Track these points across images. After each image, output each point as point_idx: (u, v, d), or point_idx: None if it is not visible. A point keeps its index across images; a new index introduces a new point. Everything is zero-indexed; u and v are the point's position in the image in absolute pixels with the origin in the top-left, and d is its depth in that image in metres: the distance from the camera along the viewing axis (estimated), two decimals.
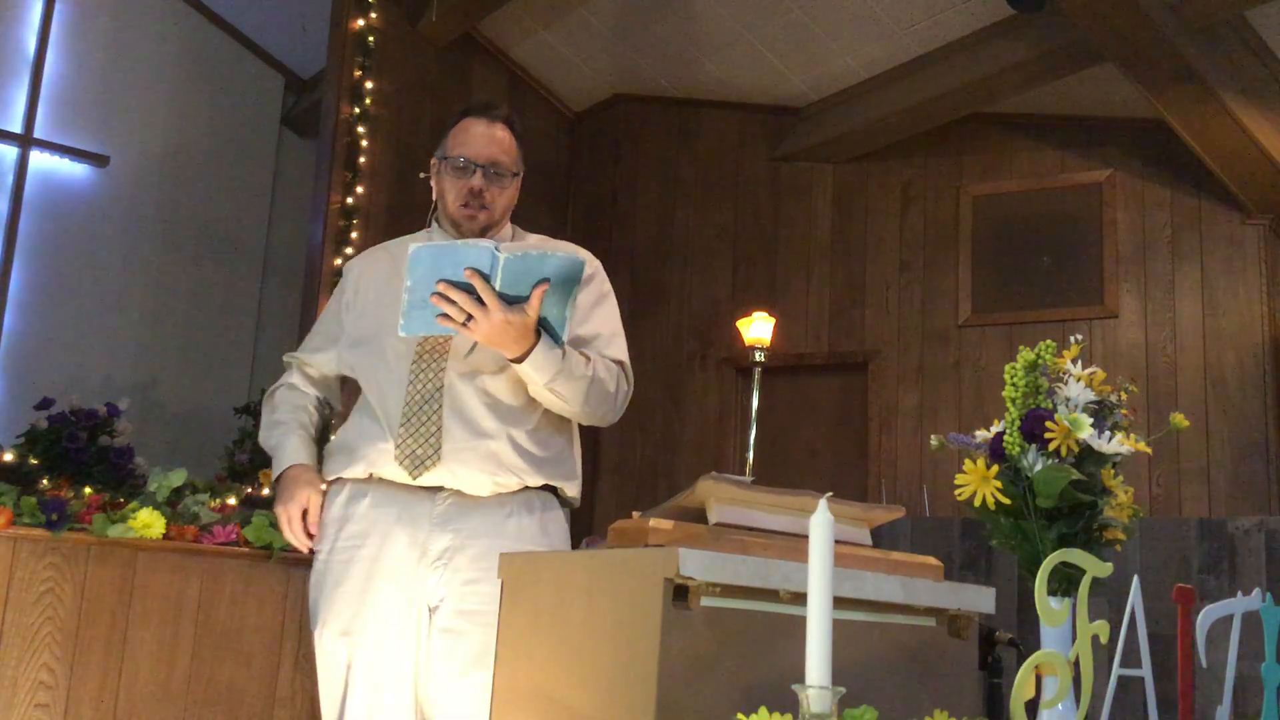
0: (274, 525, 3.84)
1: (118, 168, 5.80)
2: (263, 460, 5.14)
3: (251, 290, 6.20)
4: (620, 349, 2.27)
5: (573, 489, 2.25)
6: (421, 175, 2.38)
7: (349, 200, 5.43)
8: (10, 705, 3.33)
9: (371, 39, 5.62)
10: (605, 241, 6.55)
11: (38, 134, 5.55)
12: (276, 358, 5.93)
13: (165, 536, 3.62)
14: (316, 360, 2.35)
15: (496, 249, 1.89)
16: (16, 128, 5.49)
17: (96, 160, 5.73)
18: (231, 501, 4.25)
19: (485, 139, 2.24)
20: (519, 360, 2.03)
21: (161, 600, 3.64)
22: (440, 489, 2.12)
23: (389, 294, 2.20)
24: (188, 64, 6.11)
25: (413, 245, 1.91)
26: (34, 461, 4.03)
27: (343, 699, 2.10)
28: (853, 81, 5.99)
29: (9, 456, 4.03)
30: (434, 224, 2.34)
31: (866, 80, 5.93)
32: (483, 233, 2.23)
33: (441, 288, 1.91)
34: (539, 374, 2.06)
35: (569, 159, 6.86)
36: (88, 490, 3.75)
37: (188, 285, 6.00)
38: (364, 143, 5.52)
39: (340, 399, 2.40)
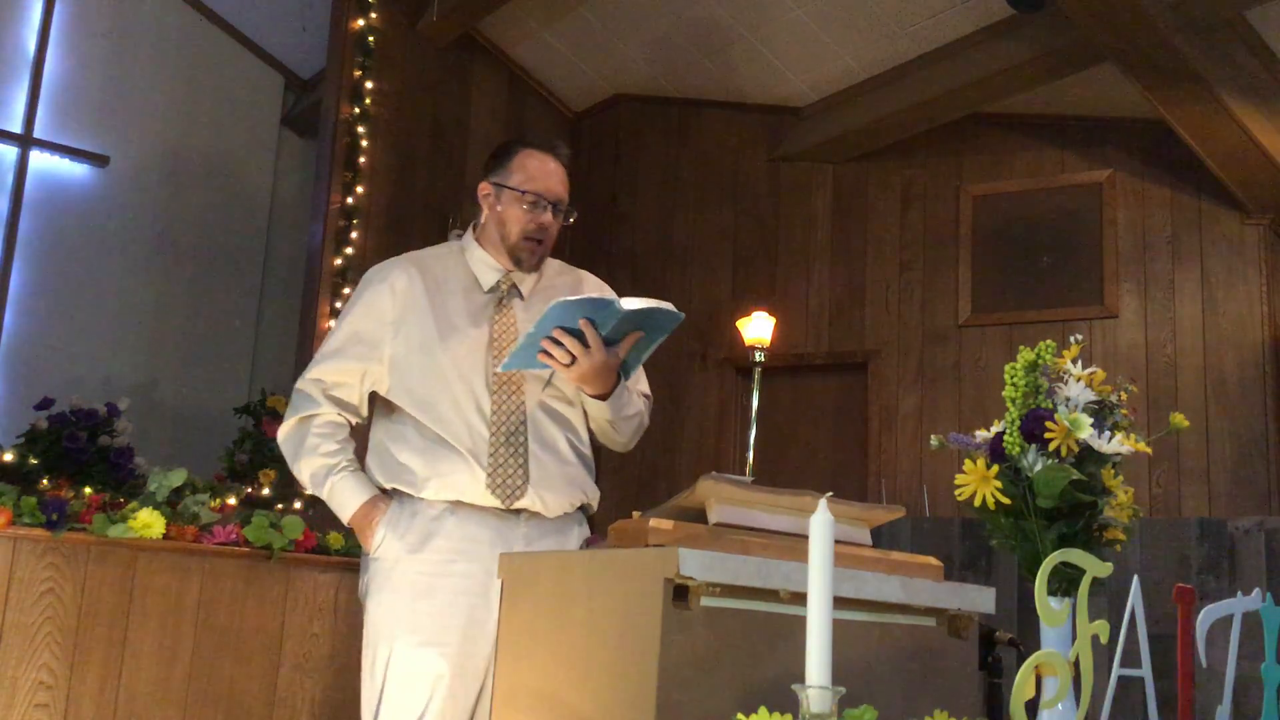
0: (274, 525, 3.85)
1: (118, 168, 5.79)
2: (262, 460, 5.15)
3: (252, 290, 6.20)
4: (646, 383, 2.43)
5: (595, 500, 2.40)
6: (484, 196, 2.37)
7: (349, 200, 5.43)
8: (10, 705, 3.33)
9: (371, 39, 5.62)
10: (605, 242, 6.55)
11: (38, 134, 5.54)
12: (277, 358, 5.95)
13: (165, 536, 3.62)
14: (349, 380, 2.29)
15: (618, 302, 2.04)
16: (16, 128, 5.48)
17: (96, 160, 5.72)
18: (231, 501, 4.25)
19: (554, 177, 2.35)
20: (600, 397, 2.20)
21: (161, 600, 3.64)
22: (521, 510, 2.21)
23: (442, 313, 2.27)
24: (188, 64, 6.10)
25: (557, 300, 2.03)
26: (34, 461, 4.03)
27: (424, 708, 2.13)
28: (853, 81, 5.99)
29: (9, 456, 4.03)
30: (473, 241, 2.38)
31: (866, 80, 5.93)
32: (537, 264, 2.35)
33: (557, 334, 2.05)
34: (612, 410, 2.23)
35: (569, 159, 6.85)
36: (88, 490, 3.75)
37: (188, 285, 6.00)
38: (364, 143, 5.52)
39: (366, 416, 2.36)
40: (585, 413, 2.32)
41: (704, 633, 1.37)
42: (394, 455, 2.23)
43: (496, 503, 2.17)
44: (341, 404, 2.30)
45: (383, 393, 2.28)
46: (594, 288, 2.40)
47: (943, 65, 5.57)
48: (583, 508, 2.34)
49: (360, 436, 2.35)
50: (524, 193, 2.30)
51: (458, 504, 2.18)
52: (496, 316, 2.29)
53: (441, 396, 2.21)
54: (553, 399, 2.26)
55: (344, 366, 2.29)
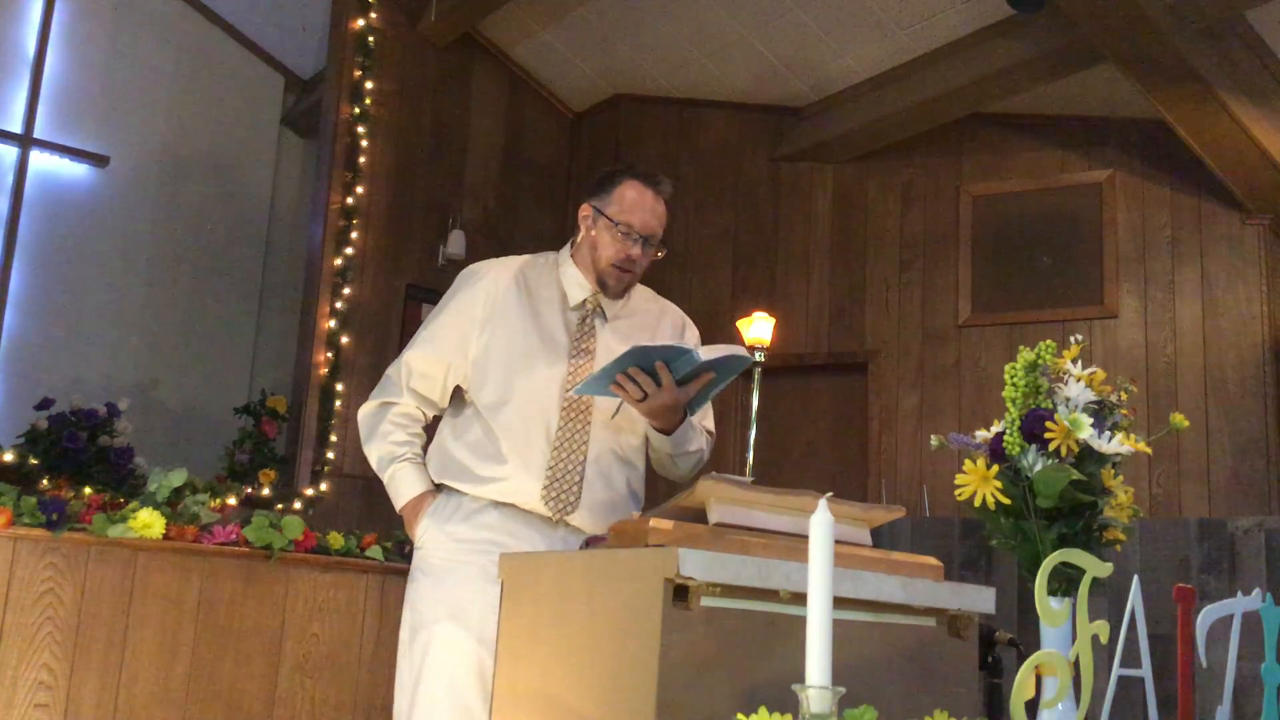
0: (274, 525, 3.85)
1: (118, 168, 5.79)
2: (262, 460, 5.15)
3: (252, 290, 6.20)
4: (712, 420, 2.47)
5: None
6: (583, 220, 2.42)
7: (349, 200, 5.43)
8: (10, 705, 3.33)
9: (371, 39, 5.62)
10: None
11: (38, 134, 5.54)
12: (277, 358, 5.95)
13: (165, 536, 3.62)
14: (434, 372, 2.36)
15: (695, 352, 2.11)
16: (16, 128, 5.49)
17: (96, 160, 5.72)
18: (231, 501, 4.26)
19: (651, 213, 2.40)
20: (665, 432, 2.25)
21: (161, 600, 3.64)
22: (562, 521, 2.25)
23: (529, 322, 2.33)
24: (188, 64, 6.11)
25: (637, 345, 2.10)
26: (34, 461, 4.04)
27: (460, 692, 2.17)
28: (853, 81, 5.99)
29: (9, 456, 4.04)
30: (568, 256, 2.44)
31: (866, 80, 5.93)
32: (624, 292, 2.42)
33: (632, 372, 2.11)
34: (674, 445, 2.28)
35: (569, 159, 6.86)
36: (88, 490, 3.75)
37: (188, 285, 6.00)
38: (364, 143, 5.52)
39: (444, 409, 2.43)
40: (646, 447, 2.37)
41: (704, 633, 1.37)
42: (452, 452, 2.30)
43: (546, 513, 2.23)
44: (421, 397, 2.39)
45: (464, 386, 2.35)
46: (676, 321, 2.49)
47: (943, 65, 5.57)
48: None
49: (431, 429, 2.44)
50: (617, 223, 2.36)
51: (503, 504, 2.25)
52: (579, 336, 2.35)
53: (512, 405, 2.27)
54: (617, 432, 2.31)
55: (431, 357, 2.36)
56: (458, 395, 2.38)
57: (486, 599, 2.16)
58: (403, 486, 2.35)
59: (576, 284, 2.40)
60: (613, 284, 2.37)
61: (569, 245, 2.46)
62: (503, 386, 2.28)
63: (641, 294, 2.50)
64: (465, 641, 2.18)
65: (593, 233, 2.39)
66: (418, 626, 2.25)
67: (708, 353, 2.12)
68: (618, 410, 2.28)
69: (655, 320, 2.45)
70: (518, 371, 2.28)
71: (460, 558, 2.23)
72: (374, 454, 2.40)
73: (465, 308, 2.37)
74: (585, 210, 2.42)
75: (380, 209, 5.59)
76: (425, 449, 2.41)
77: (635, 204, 2.38)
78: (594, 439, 2.28)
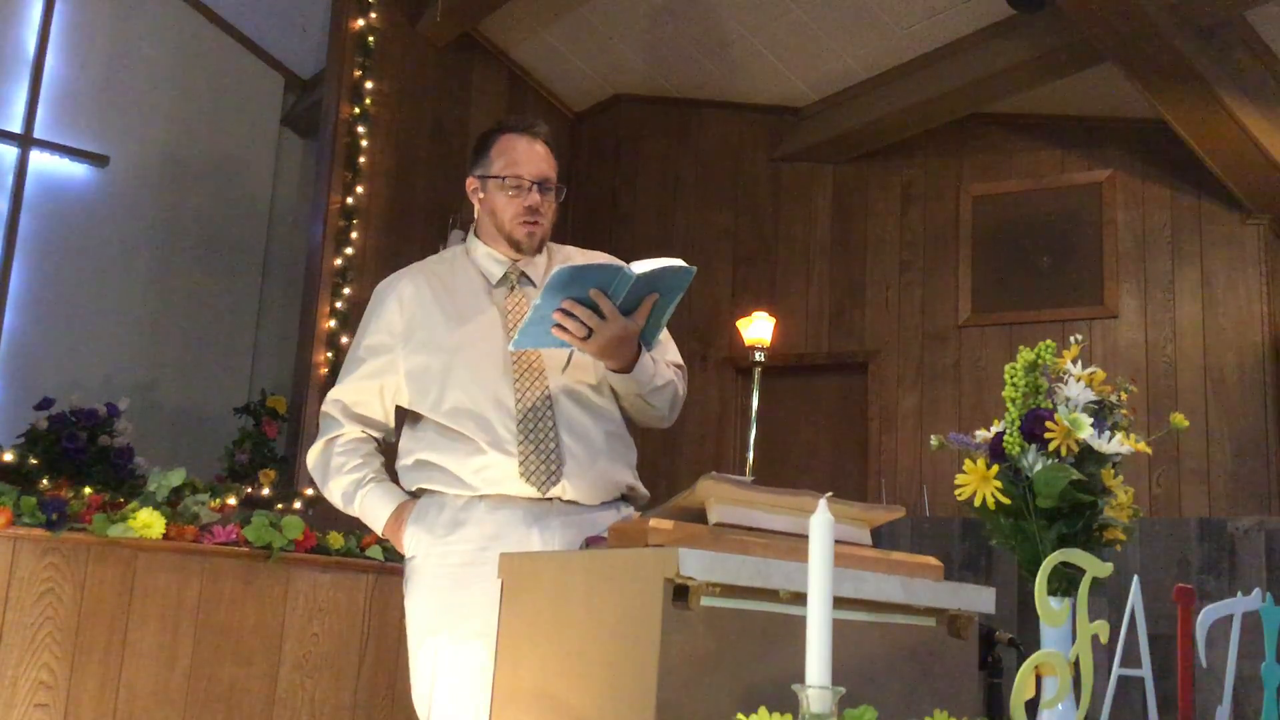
0: (274, 525, 3.85)
1: (118, 168, 5.79)
2: (262, 460, 5.15)
3: (252, 290, 6.20)
4: (677, 352, 2.35)
5: (641, 487, 2.30)
6: (475, 193, 2.34)
7: (349, 200, 5.43)
8: (10, 705, 3.33)
9: (371, 39, 5.62)
10: (605, 242, 6.54)
11: (38, 134, 5.54)
12: (277, 358, 5.94)
13: (165, 536, 3.62)
14: (368, 398, 2.27)
15: (627, 268, 1.97)
16: (16, 128, 5.48)
17: (96, 160, 5.72)
18: (231, 501, 4.26)
19: (534, 156, 2.28)
20: (623, 370, 2.11)
21: (161, 600, 3.64)
22: (554, 499, 2.14)
23: (453, 313, 2.23)
24: (188, 64, 6.10)
25: (557, 268, 1.96)
26: (34, 461, 4.04)
27: (477, 702, 2.04)
28: (853, 81, 5.99)
29: (9, 456, 4.04)
30: (474, 239, 2.35)
31: (866, 80, 5.93)
32: (540, 245, 2.31)
33: (567, 305, 1.97)
34: (639, 384, 2.15)
35: (569, 159, 6.85)
36: (88, 490, 3.75)
37: (188, 285, 6.00)
38: (364, 143, 5.52)
39: (394, 431, 2.32)
40: (615, 395, 2.23)
41: (704, 633, 1.37)
42: (422, 456, 2.18)
43: (530, 491, 2.10)
44: (366, 421, 2.29)
45: (404, 404, 2.25)
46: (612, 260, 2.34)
47: (943, 65, 5.57)
48: (626, 498, 2.25)
49: (390, 452, 2.32)
50: (504, 179, 2.26)
51: (486, 495, 2.13)
52: (509, 306, 2.24)
53: (461, 397, 2.15)
54: (578, 384, 2.19)
55: (361, 385, 2.27)
56: (409, 414, 2.26)
57: (486, 604, 2.02)
58: (376, 508, 2.23)
59: (492, 260, 2.30)
60: (525, 240, 2.27)
61: (471, 232, 2.37)
62: (447, 382, 2.17)
63: (567, 251, 2.38)
64: (474, 652, 2.07)
65: (483, 197, 2.30)
66: (420, 641, 2.15)
67: (642, 266, 1.97)
68: (569, 362, 2.16)
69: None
70: (458, 362, 2.17)
71: (452, 562, 2.12)
72: (335, 492, 2.27)
73: (383, 326, 2.27)
74: (471, 183, 2.33)
75: (380, 209, 5.59)
76: (387, 469, 2.29)
77: (516, 155, 2.27)
78: (557, 400, 2.16)
